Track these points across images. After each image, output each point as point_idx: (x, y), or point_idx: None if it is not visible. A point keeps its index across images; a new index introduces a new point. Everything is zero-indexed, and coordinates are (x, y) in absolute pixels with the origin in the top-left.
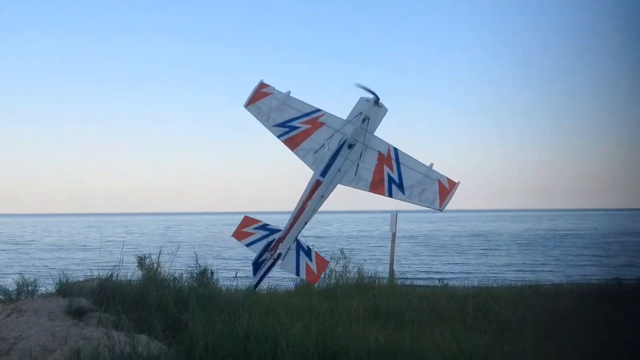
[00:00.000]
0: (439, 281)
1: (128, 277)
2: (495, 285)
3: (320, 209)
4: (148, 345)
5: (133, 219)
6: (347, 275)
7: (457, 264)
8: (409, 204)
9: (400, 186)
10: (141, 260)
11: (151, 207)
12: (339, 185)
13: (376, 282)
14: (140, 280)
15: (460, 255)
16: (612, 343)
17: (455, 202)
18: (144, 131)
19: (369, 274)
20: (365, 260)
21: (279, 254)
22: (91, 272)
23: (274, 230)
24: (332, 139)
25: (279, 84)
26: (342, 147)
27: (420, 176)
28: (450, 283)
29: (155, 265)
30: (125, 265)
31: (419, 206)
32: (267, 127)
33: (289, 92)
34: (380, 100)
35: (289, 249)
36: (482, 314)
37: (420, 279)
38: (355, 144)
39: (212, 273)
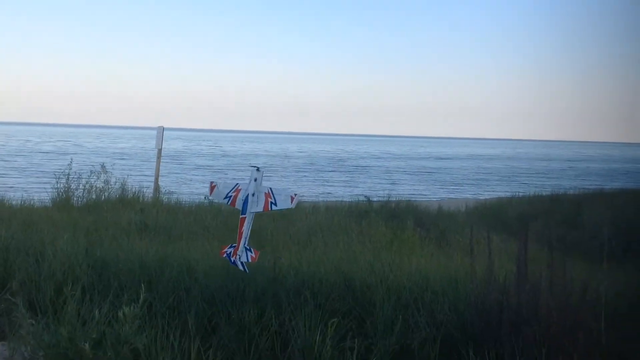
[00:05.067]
0: (205, 198)
1: None
2: None
3: None
4: None
5: None
6: (110, 190)
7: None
8: None
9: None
10: None
11: None
12: None
13: (140, 197)
14: None
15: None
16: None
17: None
18: None
19: (133, 189)
20: (128, 176)
21: None
22: None
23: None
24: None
25: None
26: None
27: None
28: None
29: None
30: None
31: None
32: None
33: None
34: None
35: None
36: None
37: (184, 194)
38: (254, 193)
39: None
